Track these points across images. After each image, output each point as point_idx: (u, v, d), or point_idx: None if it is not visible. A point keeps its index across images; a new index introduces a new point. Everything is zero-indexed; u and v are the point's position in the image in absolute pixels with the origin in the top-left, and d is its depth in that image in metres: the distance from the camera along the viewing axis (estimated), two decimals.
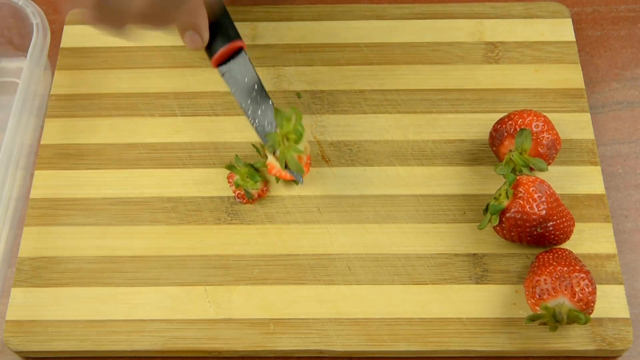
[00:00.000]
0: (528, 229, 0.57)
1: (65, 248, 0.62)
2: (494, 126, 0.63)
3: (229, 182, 0.64)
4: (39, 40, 0.66)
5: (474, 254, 0.61)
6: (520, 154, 0.60)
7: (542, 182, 0.58)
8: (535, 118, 0.61)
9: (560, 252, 0.57)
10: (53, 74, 0.70)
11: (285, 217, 0.63)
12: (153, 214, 0.63)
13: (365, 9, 0.73)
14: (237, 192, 0.63)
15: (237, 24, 0.64)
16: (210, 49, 0.62)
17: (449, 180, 0.64)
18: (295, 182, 0.63)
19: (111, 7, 0.50)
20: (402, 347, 0.58)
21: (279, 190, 0.64)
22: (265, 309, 0.59)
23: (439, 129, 0.66)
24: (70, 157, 0.66)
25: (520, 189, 0.57)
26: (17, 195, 0.64)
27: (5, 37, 0.71)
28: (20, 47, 0.71)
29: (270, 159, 0.62)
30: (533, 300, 0.55)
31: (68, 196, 0.64)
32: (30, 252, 0.62)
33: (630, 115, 0.69)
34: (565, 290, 0.54)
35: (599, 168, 0.64)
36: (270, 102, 0.62)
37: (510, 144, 0.61)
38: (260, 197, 0.63)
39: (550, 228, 0.58)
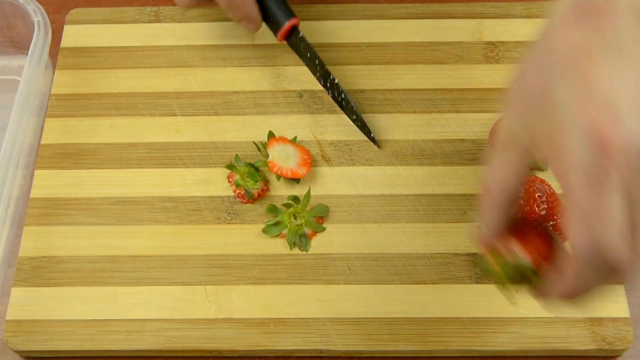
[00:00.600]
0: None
1: (66, 248, 0.62)
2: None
3: (229, 181, 0.64)
4: (40, 39, 0.66)
5: (474, 254, 0.61)
6: None
7: (542, 181, 0.58)
8: None
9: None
10: (54, 73, 0.70)
11: None
12: (153, 213, 0.63)
13: (365, 9, 0.72)
14: (237, 191, 0.63)
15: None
16: (272, 25, 0.65)
17: (449, 180, 0.64)
18: (296, 181, 0.63)
19: None
20: (402, 346, 0.58)
21: (279, 189, 0.64)
22: (265, 308, 0.59)
23: (439, 129, 0.66)
24: (70, 156, 0.66)
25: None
26: (17, 194, 0.64)
27: (6, 36, 0.71)
28: (21, 46, 0.71)
29: (271, 158, 0.63)
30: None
31: (68, 196, 0.64)
32: (30, 251, 0.62)
33: None
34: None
35: None
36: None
37: None
38: (261, 196, 0.63)
39: (551, 228, 0.58)
